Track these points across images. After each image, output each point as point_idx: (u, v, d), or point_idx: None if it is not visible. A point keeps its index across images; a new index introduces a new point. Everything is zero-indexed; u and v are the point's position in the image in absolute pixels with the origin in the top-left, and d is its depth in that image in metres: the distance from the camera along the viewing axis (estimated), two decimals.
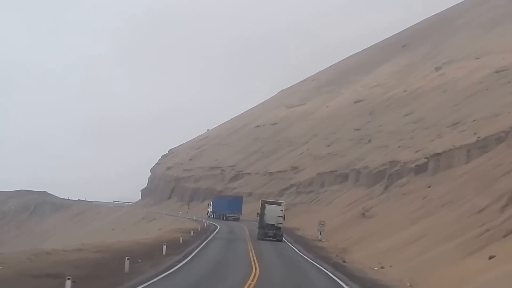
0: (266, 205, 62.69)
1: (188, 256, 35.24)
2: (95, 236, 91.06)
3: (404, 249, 38.97)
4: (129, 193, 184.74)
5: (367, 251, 44.89)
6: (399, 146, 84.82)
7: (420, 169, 67.52)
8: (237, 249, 45.71)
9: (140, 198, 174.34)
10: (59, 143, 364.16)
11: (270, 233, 59.58)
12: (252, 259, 36.48)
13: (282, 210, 62.02)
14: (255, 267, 31.62)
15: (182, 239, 46.73)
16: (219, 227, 79.03)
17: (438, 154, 65.78)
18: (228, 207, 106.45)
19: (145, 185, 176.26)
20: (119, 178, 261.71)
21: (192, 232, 58.87)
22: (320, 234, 62.22)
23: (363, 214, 65.26)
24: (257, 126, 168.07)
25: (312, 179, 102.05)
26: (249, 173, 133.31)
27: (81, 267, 26.32)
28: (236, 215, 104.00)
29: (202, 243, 47.97)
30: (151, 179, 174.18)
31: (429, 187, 59.10)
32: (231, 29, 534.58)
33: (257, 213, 62.42)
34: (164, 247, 35.61)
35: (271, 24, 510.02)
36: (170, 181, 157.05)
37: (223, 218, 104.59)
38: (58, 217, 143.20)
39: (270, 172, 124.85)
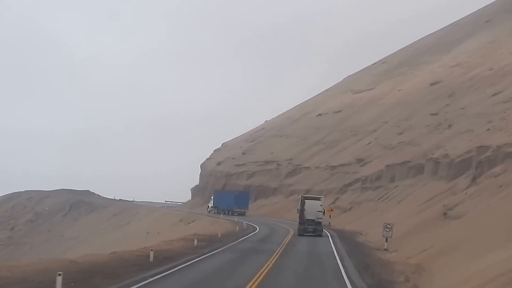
0: (306, 201, 63.05)
1: None
2: (125, 242, 79.89)
3: None
4: (187, 192, 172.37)
5: (457, 273, 28.02)
6: (488, 129, 73.16)
7: None
8: (239, 271, 29.03)
9: (190, 197, 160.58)
10: (118, 142, 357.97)
11: (310, 228, 60.30)
12: None
13: (321, 205, 62.44)
14: None
15: (153, 256, 29.74)
16: (257, 231, 66.14)
17: None
18: (235, 202, 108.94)
19: (197, 183, 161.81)
20: (181, 176, 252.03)
21: (195, 240, 42.07)
22: (386, 241, 47.37)
23: (445, 213, 50.52)
24: (319, 114, 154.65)
25: (381, 173, 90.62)
26: (308, 167, 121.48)
27: None
28: (243, 210, 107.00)
29: (189, 261, 31.31)
30: (201, 176, 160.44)
31: None
32: (289, 10, 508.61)
33: (297, 209, 62.85)
34: (59, 278, 18.73)
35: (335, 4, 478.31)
36: (220, 178, 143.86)
37: (228, 213, 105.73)
38: (93, 219, 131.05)
39: (332, 166, 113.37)
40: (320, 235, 59.03)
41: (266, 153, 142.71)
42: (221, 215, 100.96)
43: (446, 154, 73.31)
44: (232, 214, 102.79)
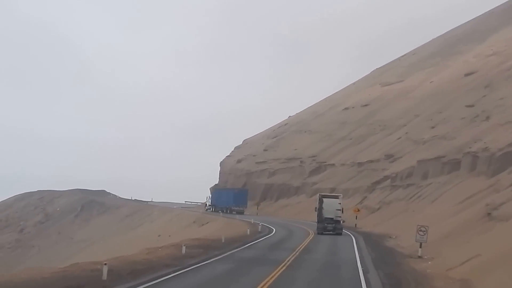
0: (324, 199, 62.94)
1: None
2: (134, 245, 73.08)
3: None
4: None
5: None
6: None
7: None
8: None
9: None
10: (146, 145, 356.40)
11: (329, 227, 60.36)
12: None
13: (340, 203, 62.06)
14: None
15: (113, 272, 22.49)
16: (272, 234, 59.90)
17: None
18: (234, 200, 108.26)
19: (216, 182, 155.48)
20: (204, 176, 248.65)
21: (184, 248, 34.37)
22: (420, 247, 40.27)
23: (489, 214, 43.37)
24: (345, 108, 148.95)
25: (412, 169, 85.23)
26: (333, 165, 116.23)
27: None
28: (241, 208, 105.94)
29: (160, 278, 23.88)
30: (221, 175, 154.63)
31: None
32: (315, 5, 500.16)
33: (315, 208, 62.94)
34: None
35: None
36: (240, 176, 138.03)
37: (227, 211, 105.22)
38: (104, 220, 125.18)
39: (358, 163, 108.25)
40: (340, 234, 59.37)
41: (289, 149, 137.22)
42: (237, 217, 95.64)
43: (486, 148, 67.05)
44: (231, 213, 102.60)
